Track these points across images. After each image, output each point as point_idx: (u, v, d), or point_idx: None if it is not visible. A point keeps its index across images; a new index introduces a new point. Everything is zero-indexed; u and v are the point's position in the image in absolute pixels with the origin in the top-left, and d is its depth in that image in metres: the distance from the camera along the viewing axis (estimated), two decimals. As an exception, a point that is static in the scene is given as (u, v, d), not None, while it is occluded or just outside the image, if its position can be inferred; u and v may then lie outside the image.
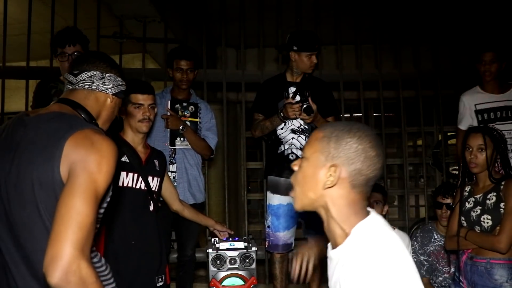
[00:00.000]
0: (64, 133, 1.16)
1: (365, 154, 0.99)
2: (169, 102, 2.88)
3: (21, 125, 1.24)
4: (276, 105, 2.79)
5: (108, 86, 1.37)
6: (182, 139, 2.85)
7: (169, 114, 2.80)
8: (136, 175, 2.14)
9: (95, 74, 1.35)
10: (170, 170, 2.85)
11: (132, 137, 2.20)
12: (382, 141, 1.05)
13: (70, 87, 1.36)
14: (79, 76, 1.34)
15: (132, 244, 2.10)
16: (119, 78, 1.41)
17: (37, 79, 2.84)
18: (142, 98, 2.16)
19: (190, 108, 2.92)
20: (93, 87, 1.35)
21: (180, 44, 3.62)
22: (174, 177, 2.85)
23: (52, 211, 1.11)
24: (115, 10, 4.03)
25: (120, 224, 2.08)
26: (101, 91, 1.36)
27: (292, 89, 2.82)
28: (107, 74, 1.37)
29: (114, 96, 1.40)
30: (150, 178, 2.19)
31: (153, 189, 2.20)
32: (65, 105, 1.30)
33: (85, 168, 1.12)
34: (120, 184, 2.09)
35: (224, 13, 3.84)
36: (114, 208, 1.98)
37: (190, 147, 2.87)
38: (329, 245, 1.08)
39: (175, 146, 2.85)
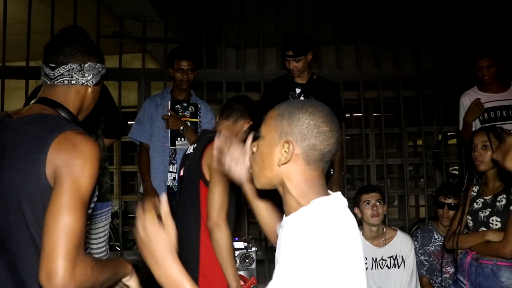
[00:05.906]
0: (48, 137, 1.12)
1: (318, 129, 1.00)
2: (169, 102, 2.87)
3: (3, 128, 1.18)
4: None
5: (88, 78, 1.28)
6: (182, 139, 2.85)
7: (169, 114, 2.80)
8: None
9: (73, 68, 1.25)
10: (170, 170, 2.85)
11: None
12: (335, 119, 1.04)
13: (48, 81, 1.27)
14: (56, 71, 1.25)
15: None
16: (98, 65, 1.31)
17: (37, 79, 2.84)
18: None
19: (190, 109, 2.91)
20: (72, 81, 1.26)
21: (180, 44, 3.61)
22: (174, 177, 2.85)
23: (38, 217, 1.09)
24: (115, 10, 4.03)
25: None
26: (81, 84, 1.28)
27: (298, 90, 2.82)
28: (86, 65, 1.27)
29: (95, 86, 1.31)
30: None
31: None
32: (45, 106, 1.24)
33: (70, 175, 1.09)
34: None
35: (224, 13, 3.84)
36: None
37: (190, 148, 2.86)
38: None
39: (175, 146, 2.85)
